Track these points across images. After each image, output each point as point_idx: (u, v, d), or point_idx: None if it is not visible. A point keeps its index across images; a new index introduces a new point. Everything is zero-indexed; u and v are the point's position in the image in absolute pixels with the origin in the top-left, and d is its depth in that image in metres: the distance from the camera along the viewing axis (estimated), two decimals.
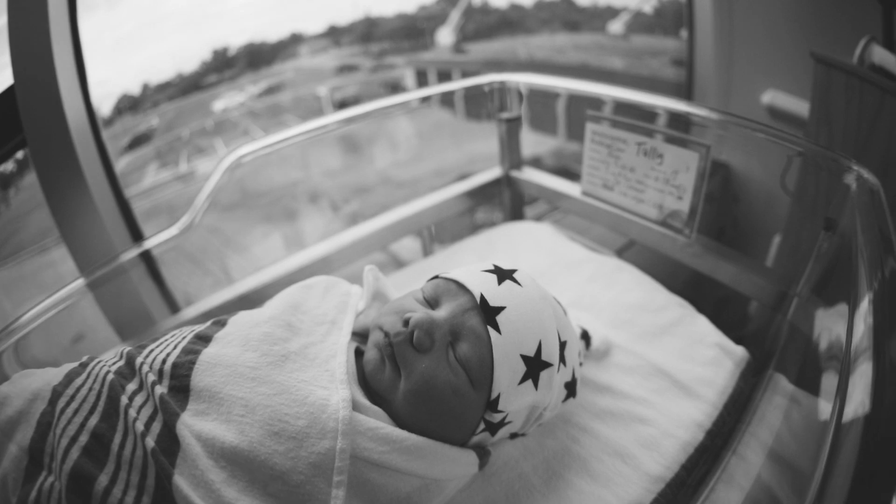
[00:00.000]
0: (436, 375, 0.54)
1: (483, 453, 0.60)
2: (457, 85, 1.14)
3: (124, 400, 0.49)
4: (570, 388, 0.65)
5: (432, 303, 0.61)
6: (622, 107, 0.98)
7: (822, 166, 0.75)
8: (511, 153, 1.19)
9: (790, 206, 1.48)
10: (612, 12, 3.49)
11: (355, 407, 0.53)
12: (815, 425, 0.83)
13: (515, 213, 1.28)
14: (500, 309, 0.57)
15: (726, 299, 1.12)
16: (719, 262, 0.89)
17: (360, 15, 2.62)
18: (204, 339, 0.56)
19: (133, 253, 0.77)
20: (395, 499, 0.52)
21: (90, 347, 0.83)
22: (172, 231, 0.80)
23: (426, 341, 0.55)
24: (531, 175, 1.19)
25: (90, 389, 0.50)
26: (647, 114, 0.94)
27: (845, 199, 0.69)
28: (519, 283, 0.61)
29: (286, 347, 0.56)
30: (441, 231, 1.26)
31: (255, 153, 0.90)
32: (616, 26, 3.42)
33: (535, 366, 0.57)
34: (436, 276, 0.64)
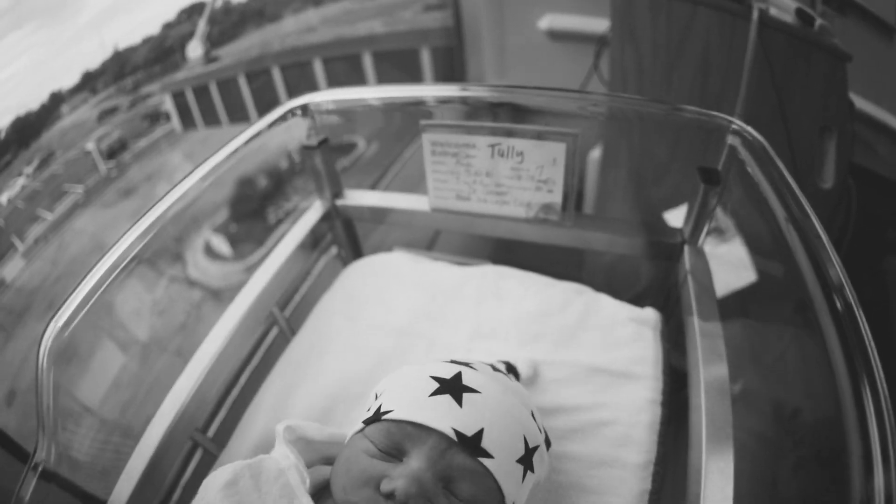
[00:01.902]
0: None
1: None
2: (254, 130, 0.91)
3: None
4: (547, 443, 0.59)
5: (394, 453, 0.49)
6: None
7: (697, 125, 0.75)
8: (331, 180, 1.00)
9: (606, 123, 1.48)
10: None
11: None
12: (755, 347, 0.86)
13: (355, 247, 1.12)
14: (479, 435, 0.48)
15: (612, 265, 1.12)
16: (590, 234, 0.86)
17: (110, 52, 2.40)
18: None
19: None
20: None
21: None
22: None
23: None
24: (361, 198, 1.02)
25: None
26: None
27: (732, 157, 0.72)
28: (478, 391, 0.51)
29: None
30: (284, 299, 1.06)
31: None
32: None
33: (528, 457, 0.52)
34: (376, 419, 0.52)
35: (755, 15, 1.01)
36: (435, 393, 0.51)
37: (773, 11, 1.05)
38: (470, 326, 0.84)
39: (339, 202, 1.03)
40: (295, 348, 0.87)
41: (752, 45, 1.02)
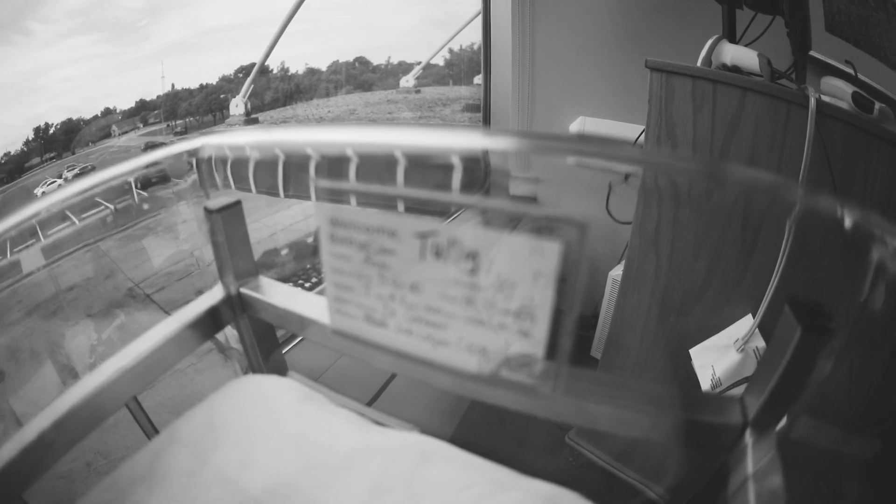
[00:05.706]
0: None
1: None
2: (111, 174, 0.59)
3: None
4: None
5: None
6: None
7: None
8: (236, 259, 0.66)
9: (631, 238, 1.22)
10: (406, 68, 3.33)
11: None
12: None
13: (266, 351, 0.74)
14: None
15: (630, 453, 0.72)
16: (587, 406, 0.46)
17: (168, 88, 2.36)
18: None
19: None
20: None
21: None
22: None
23: None
24: (269, 290, 0.67)
25: None
26: None
27: (875, 280, 0.36)
28: None
29: None
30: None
31: None
32: (406, 80, 3.26)
33: None
34: None
35: (812, 104, 0.85)
36: None
37: (826, 99, 0.91)
38: None
39: (245, 290, 0.68)
40: (126, 470, 0.52)
41: (811, 137, 0.86)
